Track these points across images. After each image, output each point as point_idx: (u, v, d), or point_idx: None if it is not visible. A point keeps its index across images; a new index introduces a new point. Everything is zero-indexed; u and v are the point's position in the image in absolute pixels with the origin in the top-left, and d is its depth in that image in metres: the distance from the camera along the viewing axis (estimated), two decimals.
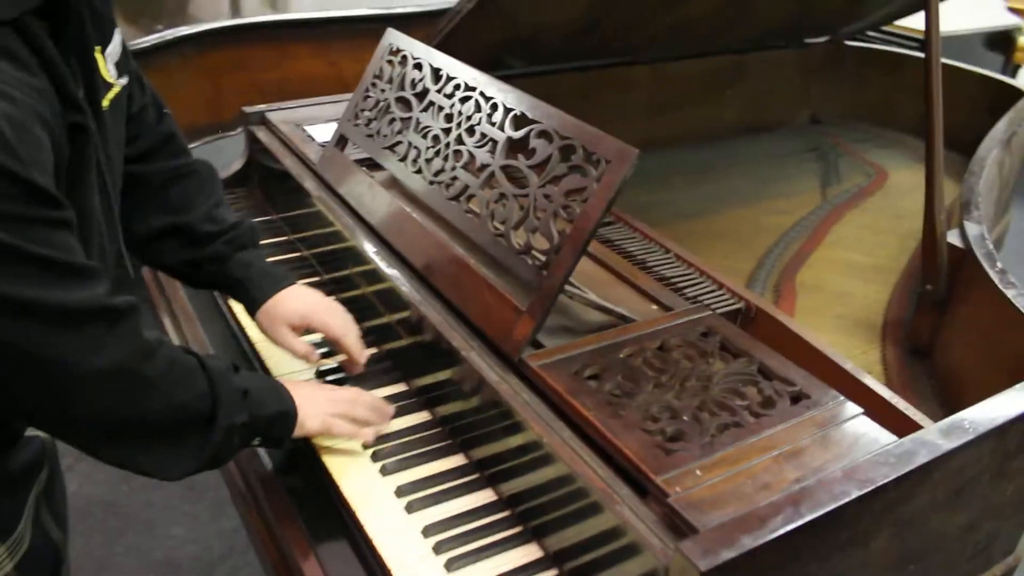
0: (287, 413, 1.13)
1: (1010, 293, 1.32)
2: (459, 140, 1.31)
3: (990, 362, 1.38)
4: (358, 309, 1.35)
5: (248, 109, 1.79)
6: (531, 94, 1.98)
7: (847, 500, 0.90)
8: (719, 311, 1.38)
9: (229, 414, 1.04)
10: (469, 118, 1.31)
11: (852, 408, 1.07)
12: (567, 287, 1.18)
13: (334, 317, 1.31)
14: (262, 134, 1.75)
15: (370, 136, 1.48)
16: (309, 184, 1.57)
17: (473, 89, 1.32)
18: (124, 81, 1.16)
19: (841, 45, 2.49)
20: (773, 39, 2.36)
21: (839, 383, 1.23)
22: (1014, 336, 1.30)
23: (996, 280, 1.36)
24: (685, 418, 1.02)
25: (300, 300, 1.32)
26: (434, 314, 1.23)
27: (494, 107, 1.28)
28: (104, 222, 1.09)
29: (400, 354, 1.36)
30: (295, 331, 1.29)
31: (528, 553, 1.06)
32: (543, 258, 1.13)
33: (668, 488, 0.93)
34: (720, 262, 1.79)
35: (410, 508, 1.10)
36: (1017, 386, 1.10)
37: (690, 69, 2.26)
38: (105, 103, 1.09)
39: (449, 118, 1.34)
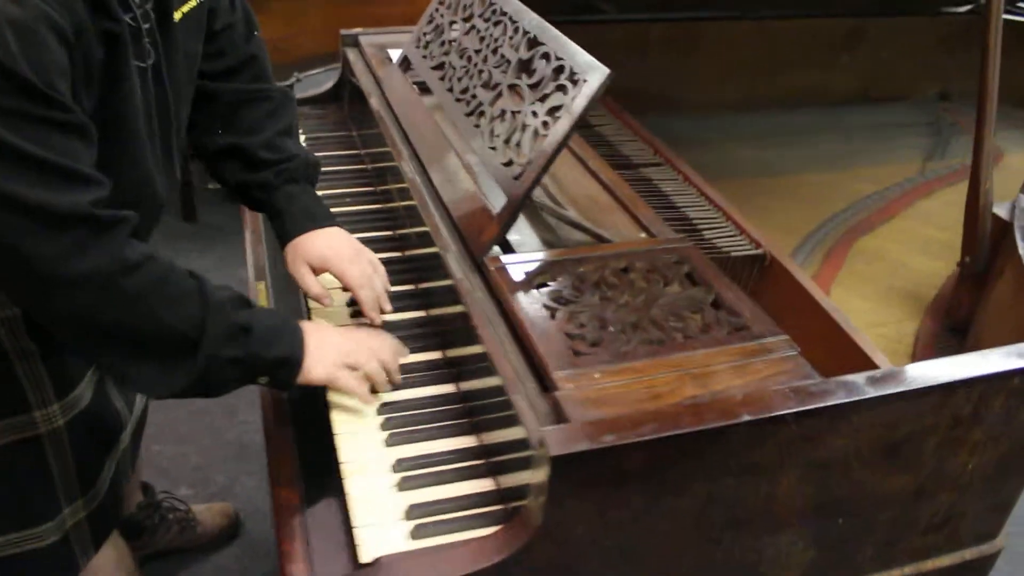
0: (291, 358, 1.11)
1: None
2: (484, 60, 1.38)
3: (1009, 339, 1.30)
4: (391, 219, 1.43)
5: (344, 32, 1.92)
6: (621, 42, 2.06)
7: (732, 422, 0.91)
8: (734, 255, 1.39)
9: (215, 345, 1.03)
10: (496, 39, 1.37)
11: (789, 347, 1.06)
12: (549, 203, 1.22)
13: (354, 266, 1.28)
14: (351, 55, 1.89)
15: (424, 57, 1.58)
16: (374, 101, 1.68)
17: (505, 14, 1.38)
18: None
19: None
20: (902, 4, 2.23)
21: (832, 340, 1.23)
22: (1019, 314, 1.23)
23: (1023, 251, 1.27)
24: (612, 328, 1.06)
25: (327, 243, 1.31)
26: (434, 220, 1.31)
27: (516, 30, 1.34)
28: (158, 128, 1.15)
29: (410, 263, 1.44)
30: (315, 272, 1.30)
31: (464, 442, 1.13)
32: (519, 170, 1.19)
33: (561, 384, 0.97)
34: (779, 218, 1.78)
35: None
36: (980, 352, 1.05)
37: (801, 29, 2.19)
38: (177, 15, 1.15)
39: (482, 40, 1.41)
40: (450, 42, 1.51)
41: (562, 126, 1.14)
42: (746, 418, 0.92)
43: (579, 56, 1.18)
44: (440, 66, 1.51)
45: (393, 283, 1.36)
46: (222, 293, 1.07)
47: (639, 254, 1.20)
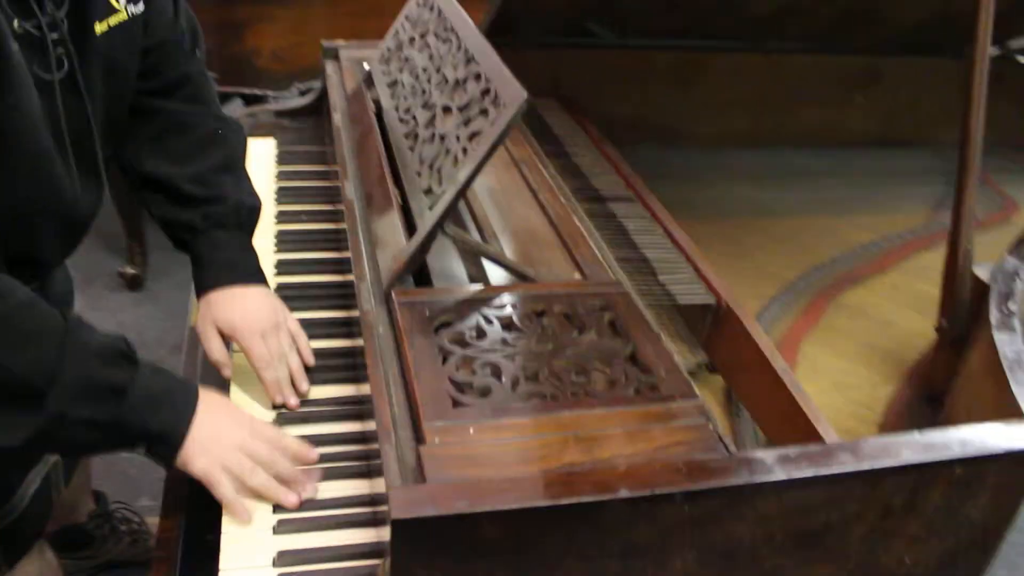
0: (168, 437, 0.98)
1: (1000, 337, 1.11)
2: (428, 79, 1.30)
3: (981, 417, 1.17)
4: (336, 241, 1.35)
5: (326, 44, 1.87)
6: (622, 69, 1.96)
7: (606, 497, 0.81)
8: (682, 302, 1.29)
9: (67, 402, 0.90)
10: (441, 57, 1.30)
11: (699, 414, 0.96)
12: (470, 237, 1.14)
13: (264, 342, 1.14)
14: (330, 67, 1.83)
15: (383, 74, 1.51)
16: (336, 117, 1.62)
17: (452, 30, 1.31)
18: (137, 10, 1.15)
19: (1013, 60, 2.17)
20: (921, 43, 2.10)
21: (778, 403, 1.12)
22: (992, 390, 1.10)
23: (993, 321, 1.15)
24: (503, 379, 0.96)
25: (242, 309, 1.18)
26: (359, 246, 1.24)
27: (458, 47, 1.26)
28: (70, 143, 1.08)
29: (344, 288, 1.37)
30: (222, 337, 1.18)
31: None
32: (432, 200, 1.10)
33: (429, 436, 0.88)
34: (763, 262, 1.67)
35: None
36: (914, 433, 0.93)
37: (813, 65, 2.07)
38: (101, 27, 1.09)
39: (430, 58, 1.34)
40: (405, 59, 1.44)
41: (478, 154, 1.05)
42: (623, 494, 0.82)
43: (505, 79, 1.09)
44: (393, 83, 1.43)
45: (330, 307, 1.28)
46: (101, 342, 0.94)
47: (560, 297, 1.11)
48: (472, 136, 1.09)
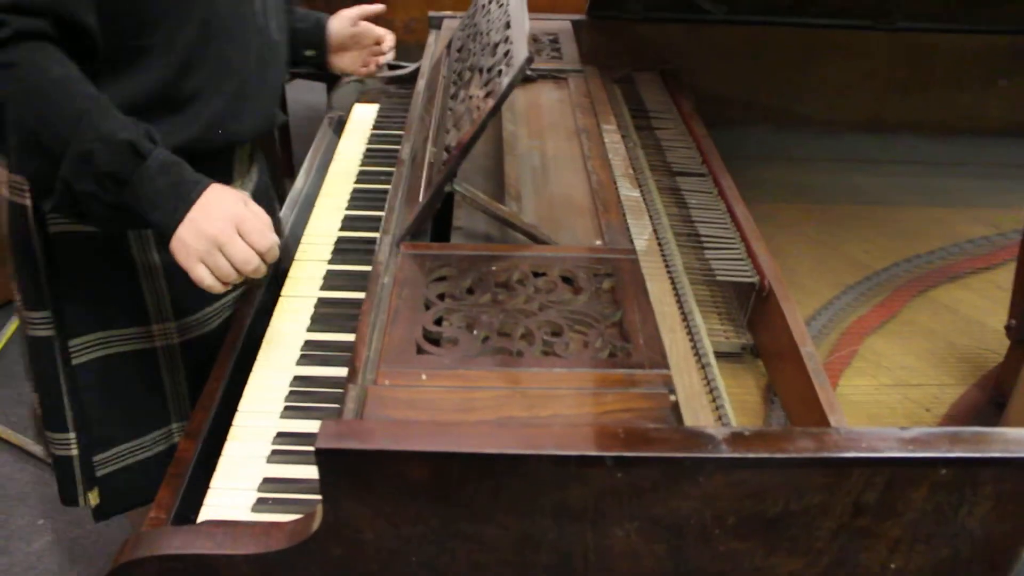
0: (161, 228, 1.12)
1: None
2: (479, 43, 1.32)
3: None
4: None
5: (432, 13, 1.92)
6: (732, 46, 1.89)
7: (528, 452, 0.81)
8: (720, 278, 1.25)
9: (70, 172, 1.08)
10: (491, 22, 1.31)
11: (662, 385, 0.93)
12: (481, 196, 1.15)
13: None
14: (431, 37, 1.88)
15: (458, 39, 1.54)
16: (420, 83, 1.67)
17: None
18: None
19: None
20: None
21: (801, 387, 1.07)
22: None
23: None
24: (475, 332, 0.98)
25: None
26: (394, 202, 1.28)
27: (505, 13, 1.27)
28: None
29: None
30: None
31: None
32: (445, 156, 1.13)
33: (380, 379, 0.91)
34: (851, 251, 1.58)
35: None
36: (894, 429, 0.86)
37: (948, 45, 1.90)
38: None
39: (488, 22, 1.35)
40: (474, 25, 1.46)
41: (483, 112, 1.06)
42: (550, 451, 0.81)
43: (520, 41, 1.09)
44: (460, 48, 1.46)
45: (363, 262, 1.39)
46: (111, 131, 1.06)
47: (565, 260, 1.10)
48: (486, 96, 1.10)
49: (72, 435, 1.38)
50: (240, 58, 1.25)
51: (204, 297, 1.34)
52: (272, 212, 1.49)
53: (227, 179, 1.33)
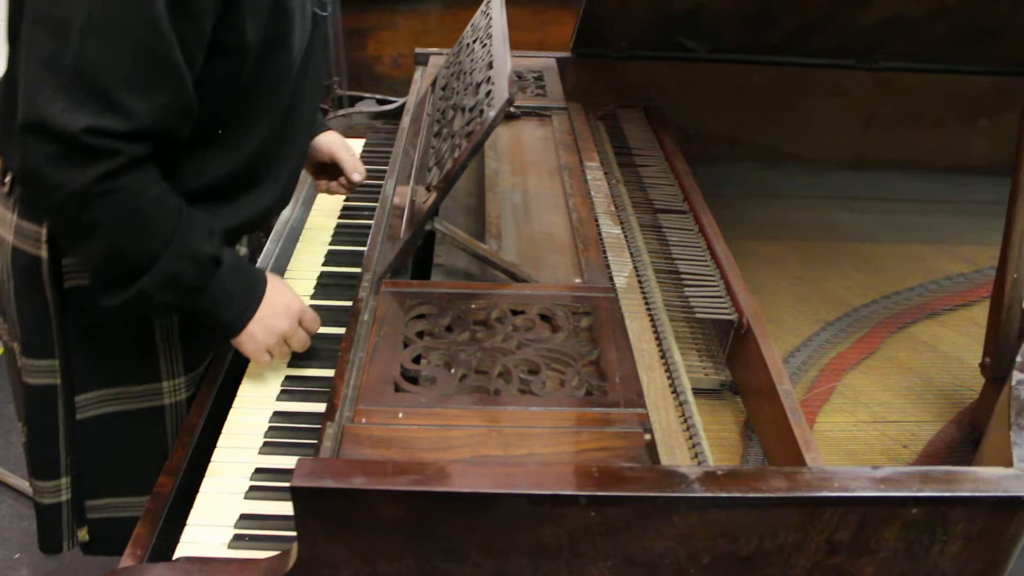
0: (229, 328, 1.19)
1: (1019, 377, 1.01)
2: (464, 82, 1.34)
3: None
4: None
5: (418, 50, 1.95)
6: (716, 84, 1.92)
7: (505, 491, 0.82)
8: (699, 315, 1.26)
9: (153, 286, 1.09)
10: (475, 61, 1.33)
11: (638, 424, 0.93)
12: (461, 234, 1.16)
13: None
14: (417, 73, 1.91)
15: (443, 77, 1.56)
16: (405, 119, 1.69)
17: (491, 37, 1.34)
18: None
19: None
20: None
21: (778, 425, 1.08)
22: (1004, 435, 1.00)
23: (1020, 359, 1.04)
24: (453, 371, 0.98)
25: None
26: (376, 239, 1.29)
27: (488, 53, 1.29)
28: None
29: None
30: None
31: None
32: (426, 195, 1.14)
33: (358, 417, 0.92)
34: (831, 288, 1.59)
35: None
36: (867, 468, 0.87)
37: (930, 85, 1.93)
38: None
39: (472, 61, 1.37)
40: (459, 63, 1.48)
41: (464, 151, 1.08)
42: (524, 491, 0.82)
43: (501, 81, 1.11)
44: (444, 87, 1.48)
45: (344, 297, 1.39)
46: (198, 245, 1.10)
47: (544, 298, 1.11)
48: (468, 135, 1.11)
49: (64, 480, 1.35)
50: (297, 144, 1.32)
51: (208, 348, 1.36)
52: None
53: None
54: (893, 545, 0.87)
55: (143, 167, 1.05)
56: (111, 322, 1.23)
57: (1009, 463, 0.93)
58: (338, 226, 1.62)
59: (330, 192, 1.64)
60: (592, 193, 1.44)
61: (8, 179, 1.19)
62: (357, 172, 1.58)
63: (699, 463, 1.04)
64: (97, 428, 1.31)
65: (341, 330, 1.30)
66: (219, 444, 1.16)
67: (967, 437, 1.27)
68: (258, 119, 1.18)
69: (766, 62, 1.94)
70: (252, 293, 1.19)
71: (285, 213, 1.71)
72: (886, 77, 1.93)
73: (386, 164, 1.80)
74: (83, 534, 1.41)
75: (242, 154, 1.18)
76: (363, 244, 1.53)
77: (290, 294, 1.24)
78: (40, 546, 1.40)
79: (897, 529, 0.86)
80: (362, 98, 2.68)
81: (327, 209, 1.69)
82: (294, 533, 0.97)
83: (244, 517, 1.04)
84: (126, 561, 1.04)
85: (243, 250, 1.47)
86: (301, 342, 1.24)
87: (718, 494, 0.84)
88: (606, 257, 1.27)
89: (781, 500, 0.84)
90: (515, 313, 1.08)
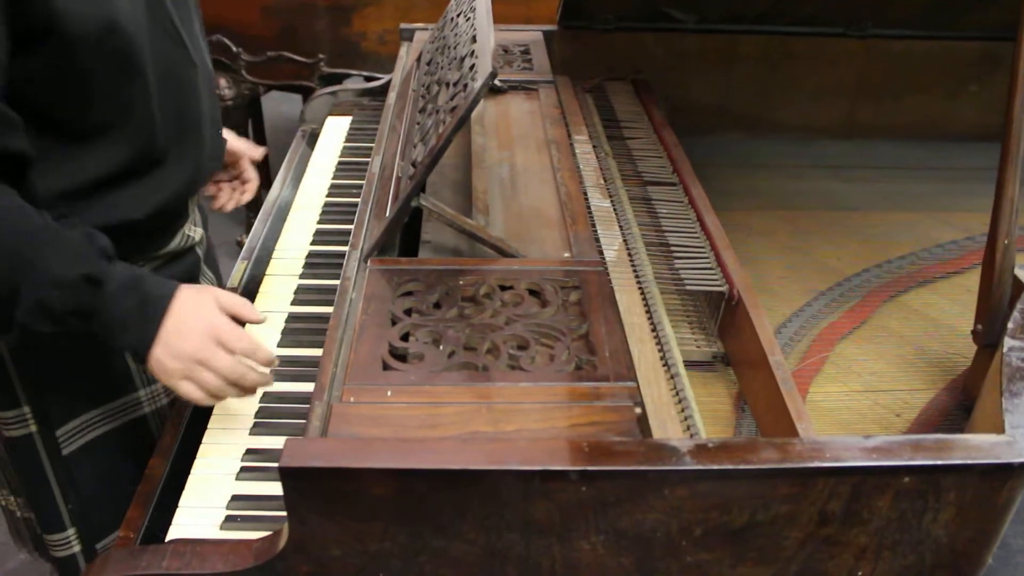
0: (136, 351, 1.04)
1: (1010, 343, 1.01)
2: (447, 57, 1.32)
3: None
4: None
5: (404, 25, 1.93)
6: (702, 54, 1.90)
7: (493, 467, 0.81)
8: (690, 287, 1.26)
9: (29, 319, 0.98)
10: (458, 35, 1.31)
11: (628, 398, 0.93)
12: (447, 210, 1.15)
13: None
14: (403, 49, 1.88)
15: (427, 52, 1.54)
16: (391, 95, 1.67)
17: (474, 9, 1.32)
18: None
19: None
20: None
21: (770, 396, 1.07)
22: (995, 401, 1.00)
23: (1011, 324, 1.04)
24: (441, 347, 0.97)
25: None
26: (363, 217, 1.27)
27: (472, 26, 1.27)
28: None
29: None
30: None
31: None
32: (411, 170, 1.13)
33: (346, 396, 0.91)
34: (822, 258, 1.59)
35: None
36: (857, 438, 0.86)
37: (918, 51, 1.92)
38: None
39: (456, 35, 1.35)
40: (443, 38, 1.46)
41: (449, 126, 1.07)
42: (515, 467, 0.81)
43: (485, 55, 1.09)
44: (429, 62, 1.46)
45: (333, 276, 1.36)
46: (60, 271, 0.97)
47: (532, 273, 1.10)
48: (452, 110, 1.10)
49: (71, 531, 1.31)
50: (194, 102, 1.21)
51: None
52: (217, 271, 1.46)
53: (183, 221, 1.29)
54: (886, 514, 0.87)
55: None
56: (69, 344, 1.13)
57: (1001, 429, 0.93)
58: (326, 205, 1.61)
59: (214, 203, 1.47)
60: (580, 166, 1.43)
61: None
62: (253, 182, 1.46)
63: (691, 436, 1.04)
64: (87, 458, 1.26)
65: (330, 309, 1.30)
66: (209, 426, 1.16)
67: (960, 404, 1.26)
68: (118, 103, 1.07)
69: (754, 31, 1.92)
70: (151, 313, 1.02)
71: (273, 192, 1.70)
72: (875, 44, 1.92)
73: (373, 141, 1.79)
74: None
75: (125, 139, 1.09)
76: (351, 222, 1.52)
77: (206, 308, 1.05)
78: None
79: (889, 498, 0.86)
80: (348, 75, 2.66)
81: (315, 189, 1.68)
82: (285, 513, 0.98)
83: (236, 498, 1.04)
84: (118, 544, 1.04)
85: (199, 231, 1.36)
86: (228, 368, 1.03)
87: (709, 466, 0.83)
88: (595, 230, 1.26)
89: (773, 471, 0.84)
90: (503, 289, 1.08)
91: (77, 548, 1.33)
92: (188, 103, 1.19)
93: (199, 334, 1.03)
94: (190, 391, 1.04)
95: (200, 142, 1.22)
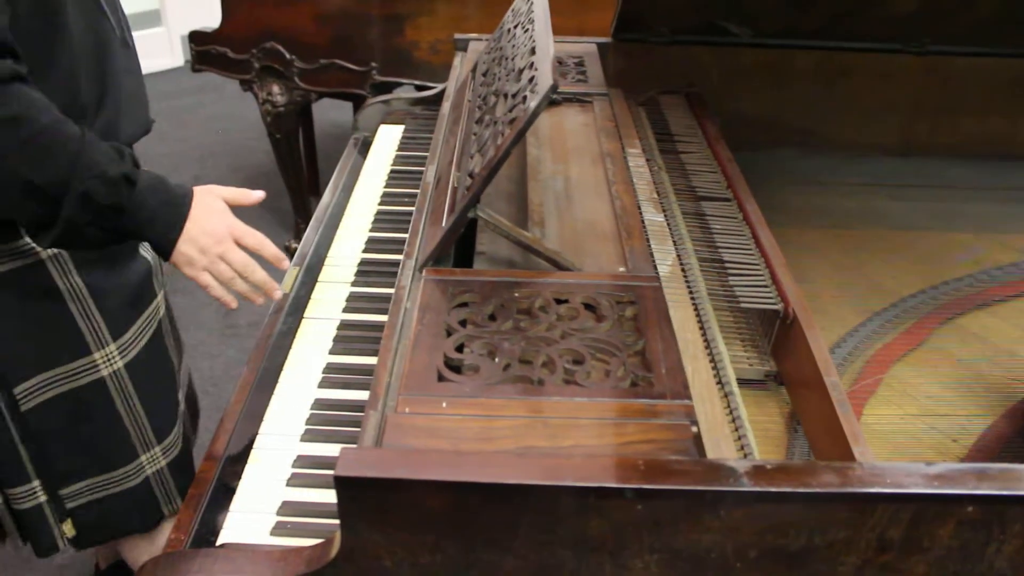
0: (161, 244, 1.18)
1: None
2: (505, 68, 1.32)
3: None
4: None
5: (458, 36, 1.93)
6: (758, 69, 1.89)
7: (549, 483, 0.81)
8: (744, 304, 1.24)
9: (74, 210, 1.08)
10: (515, 47, 1.31)
11: (685, 416, 0.92)
12: (503, 221, 1.15)
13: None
14: (457, 59, 1.89)
15: (483, 63, 1.55)
16: (446, 105, 1.68)
17: (532, 20, 1.32)
18: None
19: None
20: None
21: (826, 418, 1.06)
22: None
23: None
24: (496, 360, 0.97)
25: None
26: (417, 226, 1.28)
27: (530, 38, 1.27)
28: None
29: None
30: None
31: None
32: (468, 181, 1.13)
33: (400, 406, 0.91)
34: (877, 278, 1.56)
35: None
36: (921, 464, 0.85)
37: (977, 68, 1.88)
38: None
39: (513, 47, 1.36)
40: (500, 49, 1.47)
41: (508, 138, 1.07)
42: (570, 483, 0.81)
43: (545, 67, 1.09)
44: (486, 72, 1.47)
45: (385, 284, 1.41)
46: (106, 164, 1.10)
47: (587, 287, 1.10)
48: (511, 122, 1.10)
49: (36, 483, 1.37)
50: (112, 69, 1.26)
51: (132, 312, 1.36)
52: None
53: None
54: (947, 543, 0.85)
55: (22, 85, 1.04)
56: (21, 303, 1.24)
57: None
58: (378, 213, 1.62)
59: None
60: (635, 180, 1.42)
61: None
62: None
63: (745, 455, 1.03)
64: (46, 414, 1.32)
65: (382, 318, 1.30)
66: (260, 431, 1.17)
67: (1020, 432, 1.24)
68: (45, 57, 1.14)
69: (809, 47, 1.90)
70: (176, 210, 1.18)
71: (325, 199, 1.72)
72: (933, 61, 1.89)
73: (425, 150, 1.80)
74: (68, 528, 1.43)
75: (49, 93, 1.12)
76: (404, 231, 1.53)
77: (221, 210, 1.22)
78: (36, 552, 1.42)
79: (951, 527, 0.84)
80: (399, 84, 2.68)
81: (367, 196, 1.69)
82: (335, 521, 0.97)
83: (286, 504, 1.04)
84: (169, 547, 1.05)
85: None
86: (241, 261, 1.22)
87: (767, 489, 0.82)
88: (649, 245, 1.25)
89: (832, 496, 0.82)
90: (559, 302, 1.07)
91: (43, 498, 1.38)
92: (108, 66, 1.24)
93: (218, 231, 1.20)
94: (208, 281, 1.21)
95: (117, 106, 1.27)
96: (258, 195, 1.29)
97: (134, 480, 1.45)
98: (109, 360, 1.35)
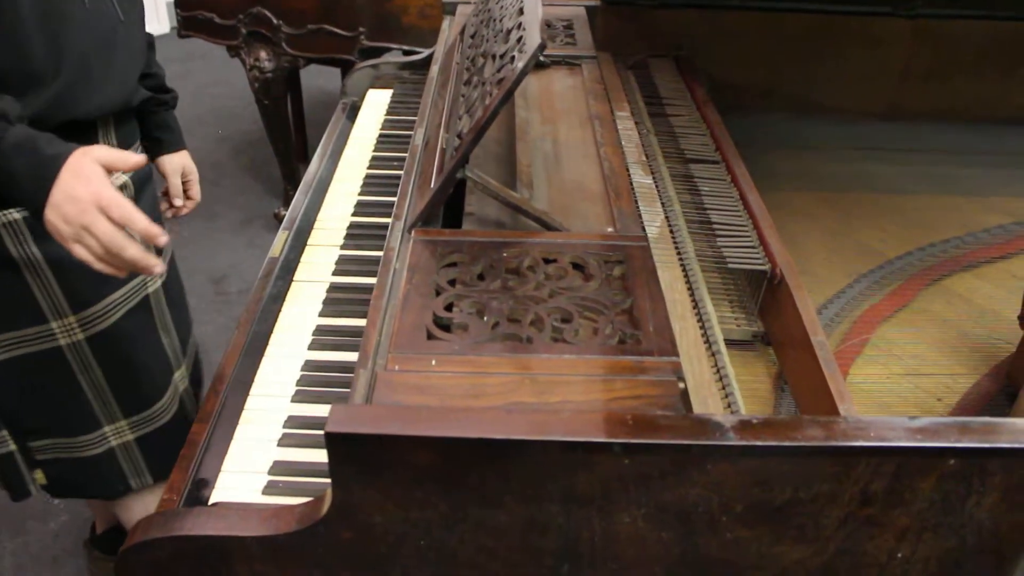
0: (29, 206, 1.11)
1: None
2: (493, 29, 1.32)
3: None
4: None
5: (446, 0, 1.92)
6: (747, 33, 1.88)
7: (536, 438, 0.81)
8: (732, 266, 1.25)
9: None
10: (503, 7, 1.31)
11: (672, 372, 0.93)
12: (492, 183, 1.15)
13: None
14: (445, 23, 1.88)
15: (471, 26, 1.54)
16: (434, 68, 1.67)
17: None
18: None
19: None
20: None
21: (811, 376, 1.07)
22: None
23: None
24: (485, 318, 0.98)
25: None
26: (406, 188, 1.28)
27: (516, 0, 1.26)
28: None
29: None
30: None
31: None
32: (456, 142, 1.13)
33: (390, 364, 0.92)
34: (865, 240, 1.57)
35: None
36: (906, 418, 0.86)
37: (969, 32, 1.88)
38: None
39: (501, 7, 1.35)
40: (488, 11, 1.46)
41: (495, 99, 1.06)
42: (556, 437, 0.82)
43: (532, 27, 1.09)
44: (473, 35, 1.46)
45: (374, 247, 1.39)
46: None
47: (576, 246, 1.10)
48: (499, 82, 1.09)
49: (5, 432, 1.39)
50: (79, 41, 1.22)
51: (101, 288, 1.34)
52: (154, 204, 1.51)
53: None
54: (928, 496, 0.87)
55: None
56: None
57: None
58: (367, 177, 1.62)
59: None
60: (623, 142, 1.42)
61: None
62: (178, 198, 1.57)
63: (732, 413, 1.04)
64: (5, 373, 1.33)
65: (371, 280, 1.30)
66: (251, 392, 1.17)
67: (1002, 390, 1.25)
68: None
69: (800, 9, 1.89)
70: (41, 172, 1.07)
71: (313, 164, 1.71)
72: (923, 24, 1.88)
73: (414, 114, 1.79)
74: (40, 476, 1.45)
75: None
76: (392, 194, 1.54)
77: (90, 175, 1.08)
78: (11, 496, 1.45)
79: (933, 480, 0.86)
80: (388, 49, 2.66)
81: (356, 161, 1.68)
82: (326, 480, 0.98)
83: (278, 464, 1.05)
84: (161, 506, 1.06)
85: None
86: (106, 235, 1.07)
87: (753, 442, 0.83)
88: (637, 207, 1.25)
89: (816, 449, 0.83)
90: (547, 262, 1.08)
91: (13, 447, 1.40)
92: (66, 38, 1.19)
93: (84, 199, 1.06)
94: (82, 254, 1.08)
95: (81, 76, 1.23)
96: (139, 159, 1.16)
97: (95, 449, 1.45)
98: (68, 331, 1.34)
